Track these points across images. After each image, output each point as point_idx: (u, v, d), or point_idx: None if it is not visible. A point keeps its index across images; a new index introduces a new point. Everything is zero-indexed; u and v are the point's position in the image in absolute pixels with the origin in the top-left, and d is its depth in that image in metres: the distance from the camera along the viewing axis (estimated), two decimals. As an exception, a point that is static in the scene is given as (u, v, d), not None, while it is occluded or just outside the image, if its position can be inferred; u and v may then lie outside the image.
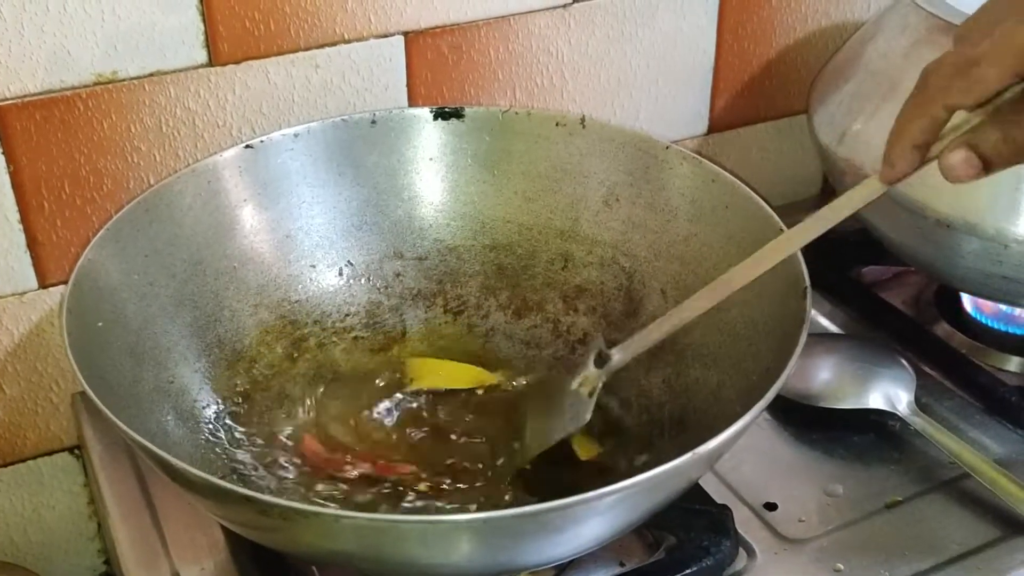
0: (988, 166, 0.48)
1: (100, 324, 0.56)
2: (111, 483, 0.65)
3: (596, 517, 0.48)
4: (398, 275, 0.70)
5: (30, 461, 0.73)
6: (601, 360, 0.59)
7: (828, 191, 0.92)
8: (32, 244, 0.67)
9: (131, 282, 0.60)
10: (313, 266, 0.68)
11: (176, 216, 0.63)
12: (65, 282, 0.68)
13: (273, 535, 0.49)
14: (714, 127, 0.86)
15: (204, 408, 0.61)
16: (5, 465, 0.72)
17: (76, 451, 0.74)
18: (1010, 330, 0.76)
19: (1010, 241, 0.64)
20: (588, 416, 0.58)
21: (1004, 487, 0.61)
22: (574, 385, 0.59)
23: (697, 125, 0.85)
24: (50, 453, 0.73)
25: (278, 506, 0.44)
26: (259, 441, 0.62)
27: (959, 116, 0.48)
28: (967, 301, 0.78)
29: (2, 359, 0.69)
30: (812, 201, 0.92)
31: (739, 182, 0.63)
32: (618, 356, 0.58)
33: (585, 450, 0.62)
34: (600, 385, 0.58)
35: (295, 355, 0.67)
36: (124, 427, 0.47)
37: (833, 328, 0.77)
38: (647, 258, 0.67)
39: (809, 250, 0.55)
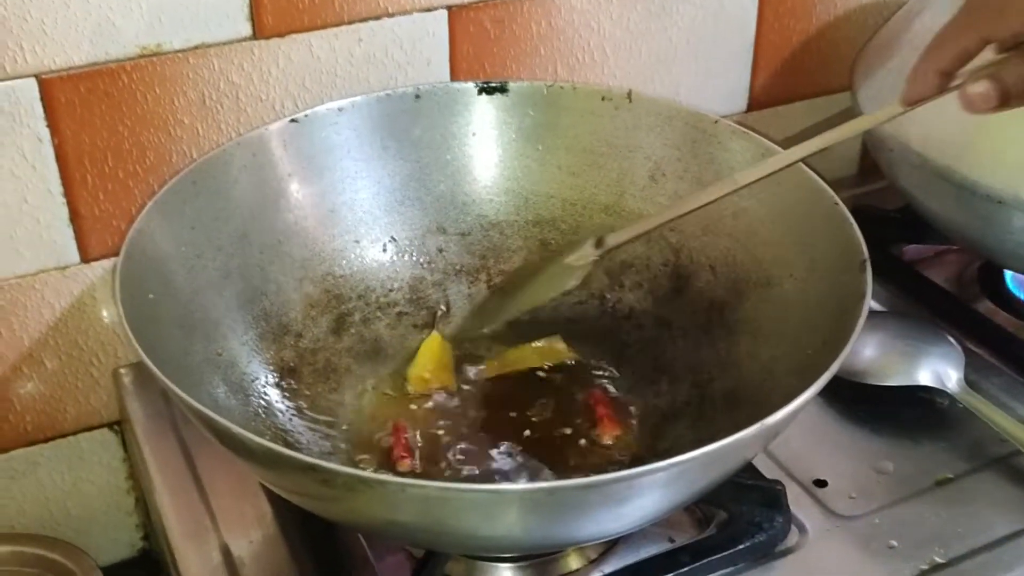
0: (1006, 99, 0.49)
1: (151, 296, 0.56)
2: (156, 457, 0.65)
3: (658, 490, 0.47)
4: (441, 250, 0.70)
5: (70, 436, 0.73)
6: (599, 244, 0.62)
7: (866, 170, 0.92)
8: (75, 217, 0.67)
9: (179, 254, 0.60)
10: (357, 241, 0.68)
11: (222, 189, 0.63)
12: (107, 256, 0.68)
13: (332, 505, 0.49)
14: (754, 104, 0.85)
15: (254, 380, 0.60)
16: (46, 440, 0.72)
17: (115, 426, 0.74)
18: (1054, 309, 0.75)
19: (1062, 217, 0.63)
20: (576, 282, 0.63)
21: (1057, 465, 0.61)
22: (569, 260, 0.63)
23: (737, 102, 0.84)
24: (90, 428, 0.73)
25: (343, 474, 0.44)
26: (307, 413, 0.61)
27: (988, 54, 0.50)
28: (1010, 279, 0.78)
29: (43, 333, 0.69)
30: (850, 180, 0.91)
31: (792, 156, 0.62)
32: (613, 238, 0.62)
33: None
34: (592, 260, 0.62)
35: (340, 330, 0.66)
36: (185, 396, 0.47)
37: (876, 306, 0.76)
38: (695, 233, 0.66)
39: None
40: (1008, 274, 0.77)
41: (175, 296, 0.58)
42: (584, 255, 0.63)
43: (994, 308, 0.76)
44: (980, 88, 0.49)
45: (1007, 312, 0.76)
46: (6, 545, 0.68)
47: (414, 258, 0.69)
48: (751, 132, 0.64)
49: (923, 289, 0.77)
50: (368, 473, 0.43)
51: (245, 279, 0.63)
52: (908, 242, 0.81)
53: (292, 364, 0.63)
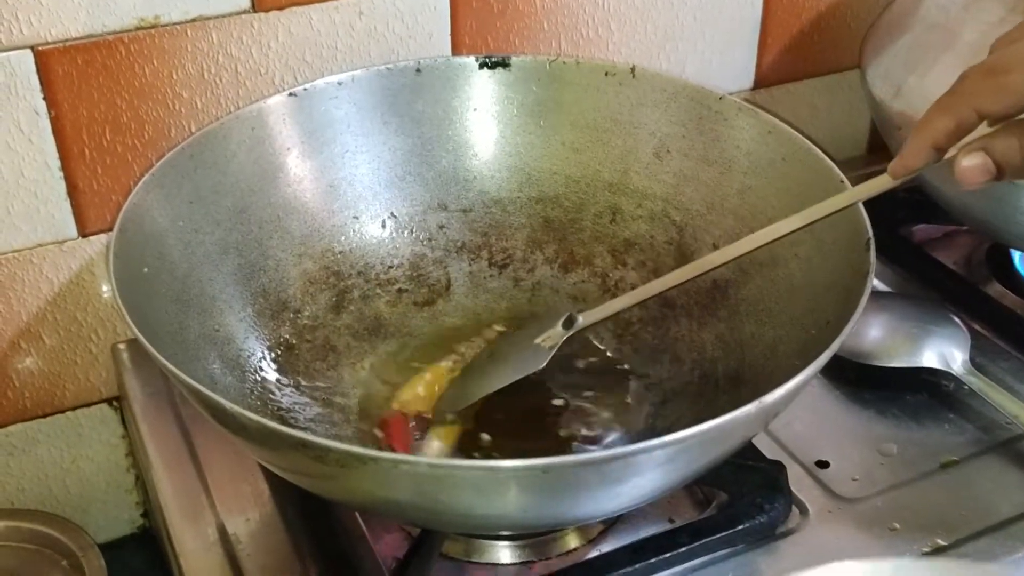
0: (1001, 173, 0.48)
1: (146, 270, 0.56)
2: (153, 434, 0.65)
3: (655, 468, 0.47)
4: (442, 227, 0.69)
5: (69, 412, 0.73)
6: (569, 322, 0.60)
7: (875, 149, 0.91)
8: (72, 192, 0.66)
9: (176, 228, 0.59)
10: (357, 217, 0.67)
11: (220, 163, 0.62)
12: (105, 231, 0.68)
13: (326, 482, 0.48)
14: (761, 82, 0.84)
15: (250, 356, 0.60)
16: (44, 416, 0.72)
17: (114, 403, 0.74)
18: (1063, 291, 0.74)
19: (1073, 196, 0.62)
20: (542, 364, 0.59)
21: (1063, 448, 0.60)
22: (538, 340, 0.61)
23: (744, 79, 0.83)
24: (89, 405, 0.73)
25: (335, 451, 0.43)
26: (305, 390, 0.61)
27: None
28: (1019, 261, 0.77)
29: (42, 308, 0.69)
30: (859, 160, 0.90)
31: (797, 133, 0.61)
32: (586, 317, 0.60)
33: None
34: (561, 342, 0.60)
35: (339, 306, 0.66)
36: (176, 371, 0.46)
37: (883, 287, 0.75)
38: (699, 212, 0.65)
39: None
40: (1017, 255, 0.76)
41: (171, 271, 0.58)
42: (553, 335, 0.60)
43: (1003, 290, 0.76)
44: (975, 160, 0.47)
45: (1016, 294, 0.75)
46: (2, 520, 0.68)
47: (415, 235, 0.69)
48: (757, 108, 0.63)
49: (931, 270, 0.76)
50: (360, 449, 0.43)
51: (243, 255, 0.62)
52: (917, 223, 0.80)
53: (290, 341, 0.62)
